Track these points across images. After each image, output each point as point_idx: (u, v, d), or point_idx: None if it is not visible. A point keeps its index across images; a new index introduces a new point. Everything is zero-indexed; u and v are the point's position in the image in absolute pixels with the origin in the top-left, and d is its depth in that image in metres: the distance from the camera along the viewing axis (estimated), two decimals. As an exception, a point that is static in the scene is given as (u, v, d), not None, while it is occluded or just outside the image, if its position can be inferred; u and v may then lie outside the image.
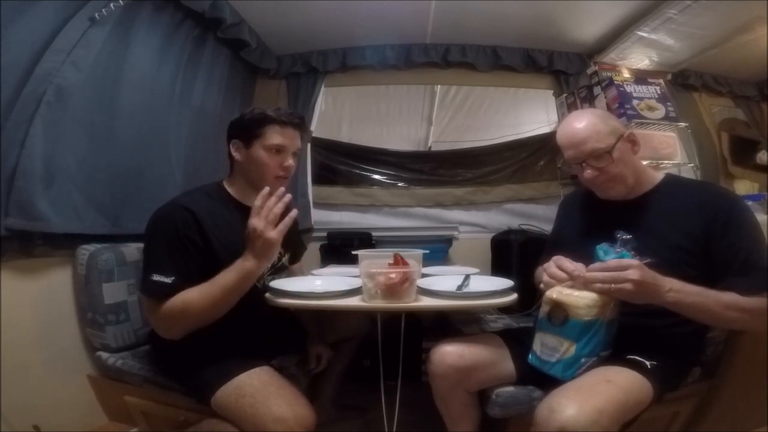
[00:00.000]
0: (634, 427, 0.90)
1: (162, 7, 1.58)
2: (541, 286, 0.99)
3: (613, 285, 0.84)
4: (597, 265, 0.87)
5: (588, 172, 1.01)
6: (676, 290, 0.86)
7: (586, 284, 0.88)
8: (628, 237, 0.88)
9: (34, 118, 1.12)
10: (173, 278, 0.96)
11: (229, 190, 1.16)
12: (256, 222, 0.96)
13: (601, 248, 0.90)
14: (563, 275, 0.94)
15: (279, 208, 0.98)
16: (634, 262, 0.84)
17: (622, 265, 0.84)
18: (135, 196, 1.49)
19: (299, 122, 1.16)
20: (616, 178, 1.01)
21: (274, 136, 1.11)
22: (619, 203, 1.06)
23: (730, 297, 0.87)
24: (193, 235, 1.00)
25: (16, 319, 1.10)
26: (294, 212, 1.01)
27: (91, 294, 1.22)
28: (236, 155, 1.13)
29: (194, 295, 0.96)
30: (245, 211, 1.13)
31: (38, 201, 1.13)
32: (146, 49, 1.53)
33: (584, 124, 1.02)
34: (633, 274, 0.82)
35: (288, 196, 1.00)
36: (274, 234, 0.96)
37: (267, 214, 0.96)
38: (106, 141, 1.37)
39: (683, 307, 0.87)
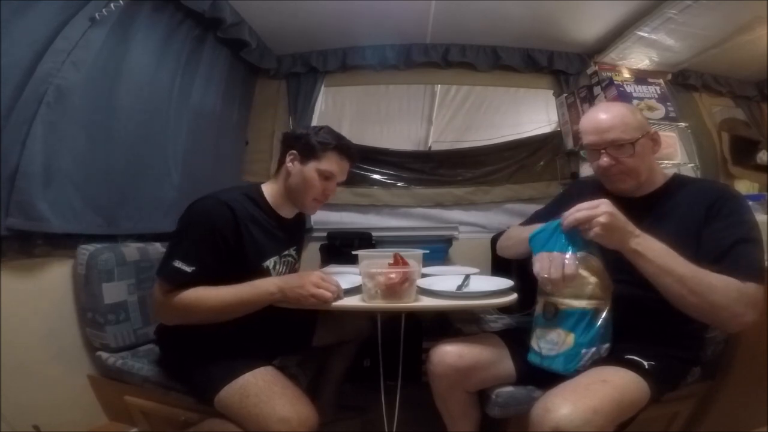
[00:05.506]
0: (633, 427, 0.90)
1: (162, 7, 1.58)
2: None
3: (589, 223, 0.85)
4: (571, 210, 0.89)
5: (605, 160, 1.01)
6: (644, 239, 0.86)
7: (567, 228, 0.89)
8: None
9: (35, 118, 1.12)
10: (194, 269, 0.97)
11: (267, 194, 1.18)
12: (319, 288, 0.96)
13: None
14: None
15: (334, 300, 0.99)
16: (604, 200, 0.87)
17: (593, 204, 0.87)
18: (132, 196, 1.49)
19: (356, 156, 1.21)
20: (630, 171, 1.01)
21: (331, 164, 1.15)
22: (625, 200, 1.04)
23: (703, 270, 0.84)
24: (227, 232, 1.01)
25: (16, 319, 1.10)
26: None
27: (91, 294, 1.22)
28: (290, 165, 1.16)
29: (209, 296, 0.98)
30: (276, 218, 1.17)
31: (38, 201, 1.13)
32: (145, 49, 1.53)
33: (613, 114, 1.02)
34: (605, 207, 0.85)
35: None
36: (313, 290, 0.97)
37: (327, 293, 0.97)
38: (103, 141, 1.37)
39: (645, 261, 0.85)
